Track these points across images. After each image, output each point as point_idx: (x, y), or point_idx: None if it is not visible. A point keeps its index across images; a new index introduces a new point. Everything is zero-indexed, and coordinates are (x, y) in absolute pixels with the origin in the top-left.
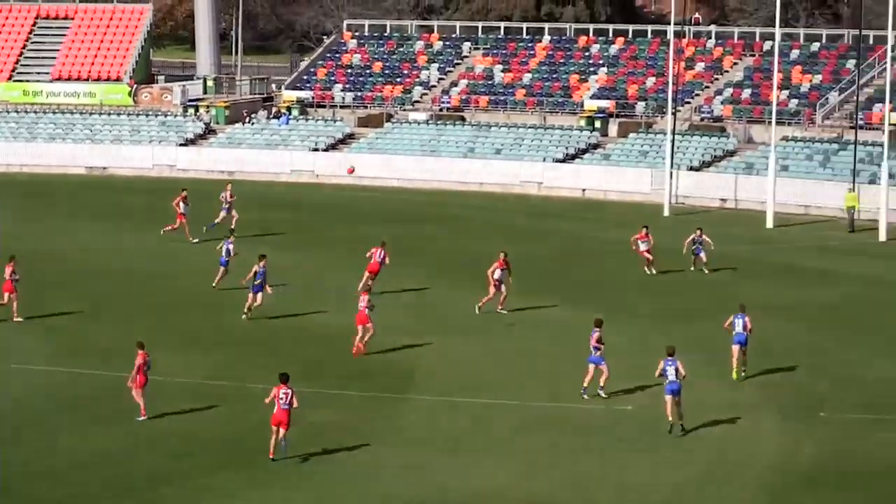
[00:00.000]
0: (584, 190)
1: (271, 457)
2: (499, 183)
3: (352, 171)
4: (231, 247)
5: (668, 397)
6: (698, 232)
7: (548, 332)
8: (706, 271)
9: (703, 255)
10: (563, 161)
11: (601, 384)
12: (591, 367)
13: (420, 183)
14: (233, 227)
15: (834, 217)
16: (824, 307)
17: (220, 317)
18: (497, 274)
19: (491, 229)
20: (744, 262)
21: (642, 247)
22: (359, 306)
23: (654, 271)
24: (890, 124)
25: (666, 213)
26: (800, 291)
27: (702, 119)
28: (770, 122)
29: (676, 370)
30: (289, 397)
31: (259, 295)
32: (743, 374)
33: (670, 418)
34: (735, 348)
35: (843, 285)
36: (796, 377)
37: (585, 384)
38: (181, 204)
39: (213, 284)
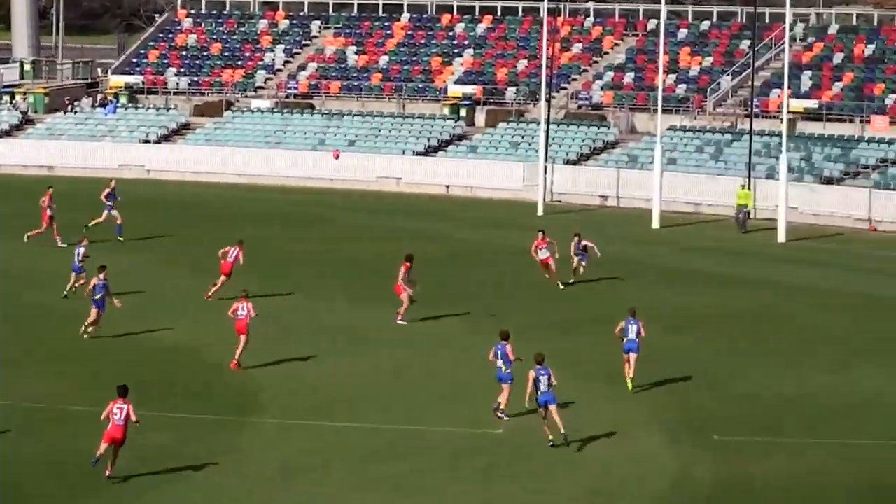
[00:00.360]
0: (448, 186)
1: (108, 474)
2: (353, 179)
3: (337, 155)
4: (82, 250)
5: (541, 409)
6: (576, 239)
7: (415, 347)
8: (569, 283)
9: (583, 263)
10: (424, 154)
11: (503, 404)
12: (506, 386)
13: (264, 179)
14: (89, 225)
15: (728, 216)
16: (717, 316)
17: (61, 331)
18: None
19: (347, 230)
20: (628, 267)
21: (541, 255)
22: (238, 314)
23: (562, 285)
24: (789, 112)
25: (540, 211)
26: (690, 299)
27: (579, 107)
28: (655, 110)
29: (549, 378)
30: (123, 412)
31: (94, 311)
32: (631, 384)
33: (550, 436)
34: (624, 356)
35: (737, 292)
36: (687, 393)
37: (503, 405)
38: (49, 204)
39: (65, 293)
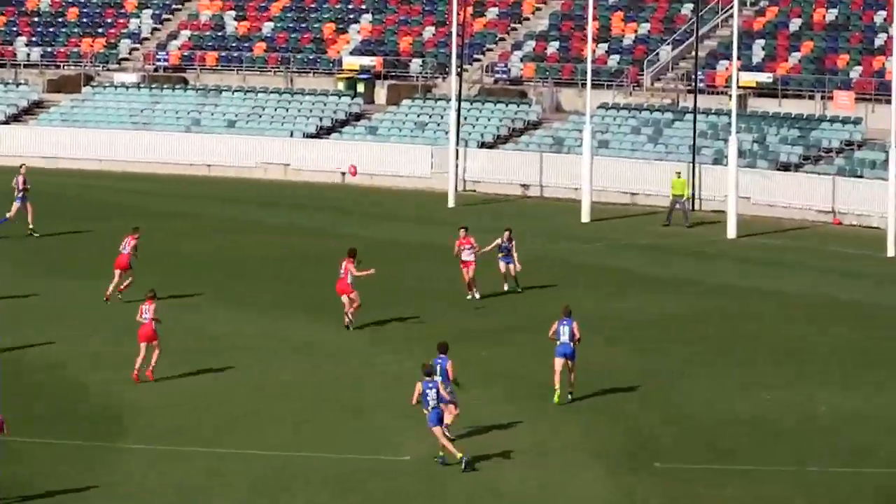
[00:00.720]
0: (343, 174)
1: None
2: (233, 165)
3: (354, 172)
4: None
5: (436, 428)
6: (506, 234)
7: (313, 361)
8: (520, 289)
9: (514, 265)
10: (316, 136)
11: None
12: (450, 409)
13: (130, 165)
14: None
15: (668, 207)
16: (657, 324)
17: None
18: (350, 278)
19: (232, 225)
20: (554, 267)
21: (465, 256)
22: (140, 318)
23: (478, 296)
24: (739, 87)
25: (451, 202)
26: (626, 304)
27: (496, 81)
28: (584, 86)
29: (437, 392)
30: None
31: None
32: (569, 397)
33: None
34: (558, 362)
35: (680, 296)
36: (624, 412)
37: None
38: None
39: None
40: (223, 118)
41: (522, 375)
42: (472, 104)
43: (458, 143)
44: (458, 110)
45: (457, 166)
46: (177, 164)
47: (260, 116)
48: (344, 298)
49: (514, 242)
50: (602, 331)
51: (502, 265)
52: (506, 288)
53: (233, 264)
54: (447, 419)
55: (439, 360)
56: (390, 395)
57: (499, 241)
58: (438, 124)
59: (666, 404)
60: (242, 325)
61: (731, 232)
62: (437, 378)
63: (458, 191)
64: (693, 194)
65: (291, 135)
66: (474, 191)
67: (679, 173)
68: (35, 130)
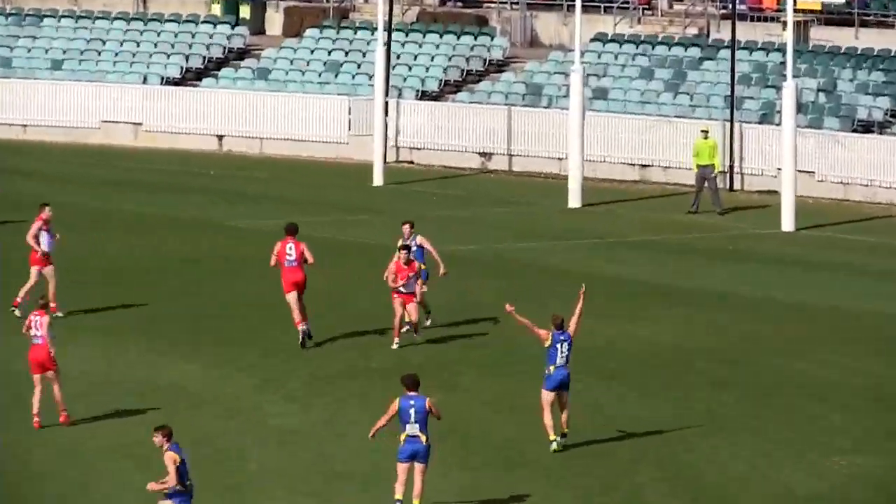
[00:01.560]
0: (220, 137)
1: None
2: (60, 125)
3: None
4: None
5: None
6: (406, 229)
7: (171, 406)
8: (428, 322)
9: (418, 287)
10: (180, 83)
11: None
12: (409, 466)
13: None
14: None
15: (692, 186)
16: (674, 357)
17: None
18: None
19: (68, 214)
20: (528, 274)
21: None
22: (32, 334)
23: (418, 336)
24: (797, 10)
25: (377, 180)
26: (632, 328)
27: (443, 2)
28: (571, 9)
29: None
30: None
31: None
32: (562, 440)
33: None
34: (548, 396)
35: (709, 315)
36: (631, 484)
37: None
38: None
39: None
40: (45, 57)
41: (481, 431)
42: (407, 35)
43: (387, 94)
44: (388, 45)
45: (386, 127)
46: None
47: (99, 54)
48: (291, 297)
49: (422, 244)
50: (599, 366)
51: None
52: (400, 332)
53: (61, 274)
54: (418, 485)
55: (411, 402)
56: (286, 461)
57: (403, 241)
58: (359, 65)
59: (685, 472)
60: (85, 356)
61: (787, 222)
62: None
63: (387, 162)
64: (730, 165)
65: (145, 81)
66: (411, 162)
67: (705, 132)
68: None
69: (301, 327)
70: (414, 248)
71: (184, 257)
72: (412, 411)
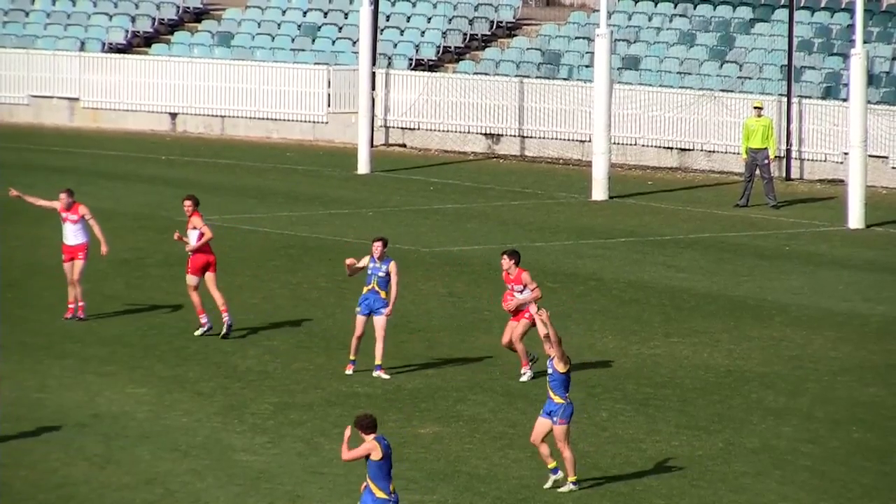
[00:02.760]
0: (174, 115)
1: None
2: None
3: None
4: None
5: None
6: (378, 247)
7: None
8: (385, 376)
9: (383, 313)
10: (125, 50)
11: None
12: None
13: None
14: None
15: (739, 174)
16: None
17: None
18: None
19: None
20: (547, 278)
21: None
22: None
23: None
24: None
25: (362, 166)
26: (669, 349)
27: None
28: None
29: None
30: None
31: None
32: (558, 479)
33: None
34: (542, 424)
35: (764, 329)
36: None
37: None
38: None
39: None
40: None
41: (488, 470)
42: None
43: (374, 63)
44: (375, 4)
45: (373, 103)
46: None
47: (26, 15)
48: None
49: (393, 272)
50: (632, 391)
51: (361, 319)
52: (350, 369)
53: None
54: None
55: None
56: None
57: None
58: (340, 29)
59: None
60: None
61: (855, 217)
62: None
63: (374, 146)
64: (786, 150)
65: (82, 48)
66: (403, 145)
67: (759, 108)
68: None
69: (203, 319)
70: (381, 274)
71: (126, 259)
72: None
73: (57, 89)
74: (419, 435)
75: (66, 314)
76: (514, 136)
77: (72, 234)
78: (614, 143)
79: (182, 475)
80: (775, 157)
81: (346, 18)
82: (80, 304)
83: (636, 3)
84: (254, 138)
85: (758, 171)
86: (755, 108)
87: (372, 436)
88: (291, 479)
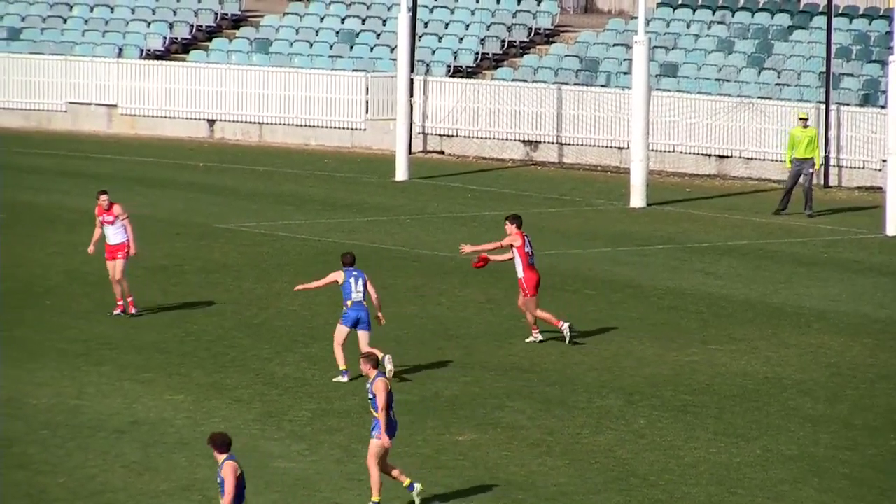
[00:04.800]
0: (212, 122)
1: None
2: (20, 107)
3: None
4: None
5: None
6: (348, 259)
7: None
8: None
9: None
10: (162, 57)
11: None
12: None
13: None
14: None
15: (780, 182)
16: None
17: None
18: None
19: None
20: (587, 285)
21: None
22: None
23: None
24: None
25: (401, 173)
26: (707, 355)
27: None
28: None
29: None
30: None
31: None
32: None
33: None
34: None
35: (801, 336)
36: None
37: None
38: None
39: None
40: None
41: (527, 478)
42: (436, 0)
43: (412, 70)
44: (414, 10)
45: (411, 110)
46: None
47: (65, 21)
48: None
49: (371, 287)
50: (670, 398)
51: (342, 331)
52: (342, 377)
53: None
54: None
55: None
56: None
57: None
58: (378, 35)
59: None
60: None
61: (893, 224)
62: None
63: (412, 153)
64: (824, 157)
65: (120, 54)
66: (441, 152)
67: (804, 119)
68: None
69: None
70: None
71: (163, 265)
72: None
73: (95, 96)
74: (457, 442)
75: (116, 310)
76: (553, 142)
77: (112, 234)
78: (652, 150)
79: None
80: (820, 165)
81: (384, 25)
82: (129, 299)
83: (674, 10)
84: (292, 145)
85: (802, 179)
86: (801, 118)
87: (225, 455)
88: (329, 486)
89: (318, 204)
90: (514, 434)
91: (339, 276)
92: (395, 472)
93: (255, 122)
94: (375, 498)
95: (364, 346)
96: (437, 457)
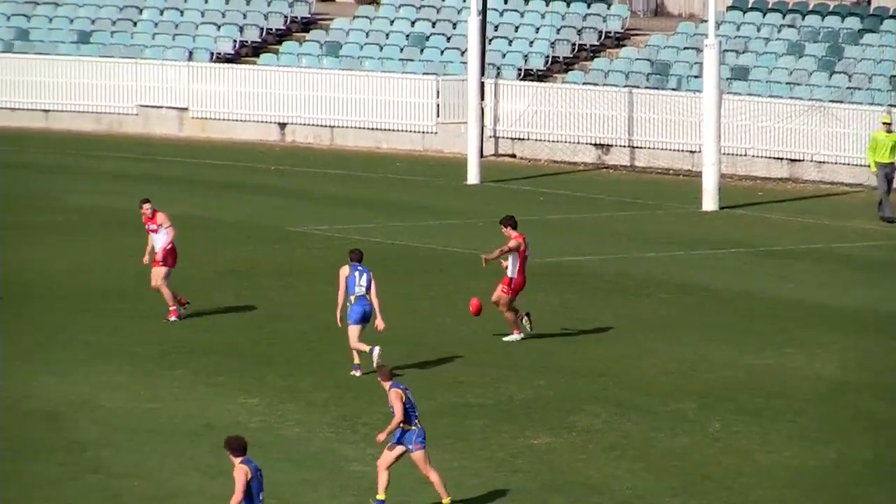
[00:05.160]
0: (283, 125)
1: None
2: (90, 109)
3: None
4: None
5: None
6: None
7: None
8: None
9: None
10: (233, 60)
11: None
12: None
13: None
14: None
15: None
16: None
17: None
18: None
19: (74, 227)
20: (661, 289)
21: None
22: None
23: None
24: None
25: (472, 177)
26: (794, 359)
27: None
28: None
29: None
30: None
31: None
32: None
33: None
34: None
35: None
36: None
37: None
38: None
39: None
40: (70, 28)
41: (602, 481)
42: (506, 2)
43: (482, 73)
44: (484, 13)
45: (482, 114)
46: None
47: (135, 25)
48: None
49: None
50: (744, 402)
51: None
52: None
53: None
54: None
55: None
56: None
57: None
58: (449, 39)
59: None
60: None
61: None
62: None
63: (483, 156)
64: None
65: (191, 57)
66: (513, 156)
67: (888, 124)
68: None
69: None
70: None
71: (236, 269)
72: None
73: (165, 99)
74: (532, 446)
75: (171, 316)
76: (624, 146)
77: (157, 242)
78: (724, 154)
79: (295, 485)
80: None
81: (454, 28)
82: (171, 307)
83: (744, 13)
84: (363, 148)
85: (887, 184)
86: (884, 123)
87: (240, 458)
88: (403, 490)
89: (390, 207)
90: (590, 438)
91: (345, 270)
92: (433, 478)
93: (326, 126)
94: (446, 500)
95: (353, 341)
96: (513, 460)
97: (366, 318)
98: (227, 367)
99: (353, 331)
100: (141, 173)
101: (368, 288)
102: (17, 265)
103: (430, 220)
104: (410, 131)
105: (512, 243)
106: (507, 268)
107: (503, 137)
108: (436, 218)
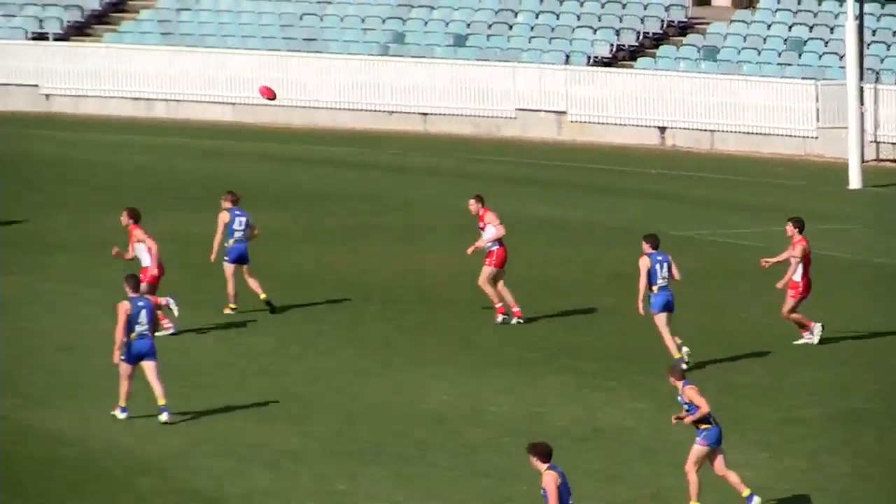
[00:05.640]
0: (663, 129)
1: None
2: (468, 112)
3: (268, 94)
4: None
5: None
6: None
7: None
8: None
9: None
10: (611, 63)
11: None
12: None
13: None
14: None
15: None
16: None
17: None
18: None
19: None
20: None
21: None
22: None
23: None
24: None
25: (854, 182)
26: None
27: None
28: None
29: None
30: None
31: None
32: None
33: None
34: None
35: None
36: None
37: None
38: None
39: None
40: (445, 31)
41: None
42: (883, 7)
43: (861, 77)
44: (860, 17)
45: (862, 118)
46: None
47: (510, 28)
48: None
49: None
50: None
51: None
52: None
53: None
54: None
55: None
56: None
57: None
58: (826, 43)
59: None
60: None
61: None
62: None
63: (865, 161)
64: None
65: (568, 60)
66: (895, 160)
67: None
68: None
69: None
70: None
71: (618, 272)
72: None
73: (543, 103)
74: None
75: (498, 315)
76: None
77: (485, 237)
78: None
79: (685, 491)
80: None
81: (831, 33)
82: (498, 305)
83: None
84: (741, 153)
85: None
86: None
87: (546, 465)
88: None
89: (772, 212)
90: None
91: (645, 261)
92: (733, 480)
93: (706, 130)
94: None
95: (664, 331)
96: None
97: (669, 307)
98: (615, 372)
99: (661, 319)
100: (519, 176)
101: (670, 275)
102: (412, 266)
103: (815, 225)
104: (790, 136)
105: (797, 250)
106: (789, 272)
107: (884, 142)
108: (820, 223)
